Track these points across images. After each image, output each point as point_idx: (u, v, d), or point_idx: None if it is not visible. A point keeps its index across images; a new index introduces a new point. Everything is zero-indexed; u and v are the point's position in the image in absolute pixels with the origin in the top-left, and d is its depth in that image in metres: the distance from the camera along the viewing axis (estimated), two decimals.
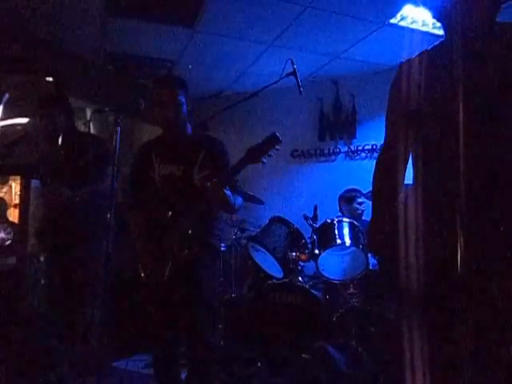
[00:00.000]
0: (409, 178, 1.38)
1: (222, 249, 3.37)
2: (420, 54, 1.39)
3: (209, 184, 1.87)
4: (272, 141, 1.85)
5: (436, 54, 1.33)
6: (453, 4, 1.12)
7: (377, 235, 1.38)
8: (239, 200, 2.11)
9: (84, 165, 2.51)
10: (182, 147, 2.13)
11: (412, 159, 1.35)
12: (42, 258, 3.38)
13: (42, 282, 3.14)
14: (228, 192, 1.95)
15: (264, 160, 1.84)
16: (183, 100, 2.10)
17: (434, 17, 1.31)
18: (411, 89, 1.32)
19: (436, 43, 1.36)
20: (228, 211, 2.20)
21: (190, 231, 1.95)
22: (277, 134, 1.86)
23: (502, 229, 1.02)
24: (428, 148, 1.26)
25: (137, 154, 2.27)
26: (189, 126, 2.19)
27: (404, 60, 1.42)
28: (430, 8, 1.29)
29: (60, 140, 2.64)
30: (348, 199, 3.76)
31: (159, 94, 2.08)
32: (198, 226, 1.97)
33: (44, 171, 2.77)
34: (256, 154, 1.85)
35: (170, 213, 2.00)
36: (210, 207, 2.00)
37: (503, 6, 1.24)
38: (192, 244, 1.97)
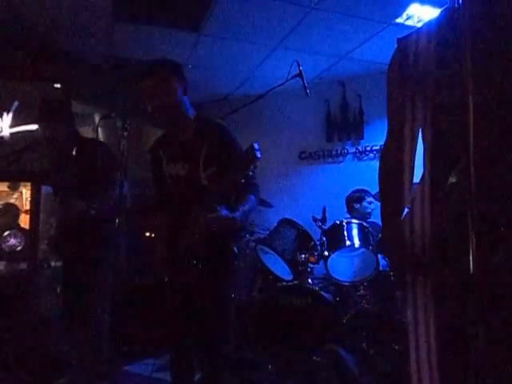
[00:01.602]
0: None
1: None
2: (420, 29, 1.26)
3: (203, 222, 1.74)
4: (249, 156, 1.62)
5: (438, 28, 1.19)
6: None
7: (390, 235, 1.30)
8: (250, 204, 1.91)
9: (91, 172, 2.48)
10: (185, 142, 1.96)
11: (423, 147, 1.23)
12: (52, 264, 3.41)
13: (55, 288, 3.16)
14: (227, 214, 1.78)
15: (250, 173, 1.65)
16: (177, 85, 1.89)
17: None
18: (414, 67, 1.20)
19: (437, 16, 1.23)
20: (238, 231, 1.99)
21: (196, 235, 1.82)
22: (254, 145, 1.61)
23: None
24: (436, 130, 1.16)
25: (150, 157, 2.14)
26: (190, 111, 1.99)
27: (401, 37, 1.29)
28: None
29: (63, 148, 2.60)
30: (357, 199, 3.74)
31: (149, 85, 1.88)
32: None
33: (54, 179, 2.79)
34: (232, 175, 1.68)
35: (185, 215, 1.88)
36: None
37: None
38: (205, 248, 1.84)
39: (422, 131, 1.24)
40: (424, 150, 1.23)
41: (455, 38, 0.95)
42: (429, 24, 1.25)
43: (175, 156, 1.98)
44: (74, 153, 2.56)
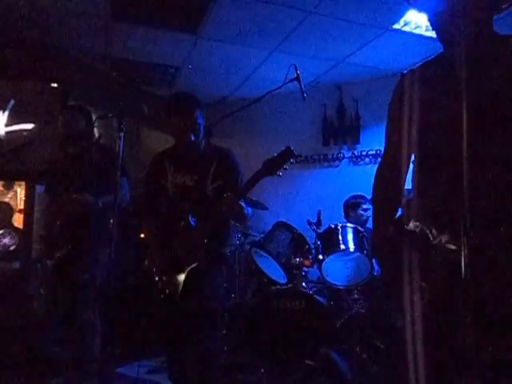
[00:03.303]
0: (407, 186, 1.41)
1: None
2: (421, 65, 1.41)
3: (226, 198, 1.92)
4: (287, 154, 1.88)
5: (437, 65, 1.34)
6: (447, 10, 1.13)
7: (379, 242, 1.38)
8: (250, 210, 2.14)
9: (101, 174, 2.53)
10: (195, 158, 2.17)
11: (413, 168, 1.36)
12: (48, 263, 3.38)
13: (43, 289, 3.14)
14: (243, 204, 1.99)
15: (280, 173, 1.88)
16: (201, 121, 2.12)
17: (430, 23, 1.32)
18: (413, 99, 1.33)
19: (436, 54, 1.38)
20: (241, 222, 2.27)
21: (204, 240, 1.99)
22: (291, 148, 1.88)
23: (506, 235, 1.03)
24: (430, 157, 1.28)
25: (150, 164, 2.31)
26: (202, 140, 2.22)
27: (405, 71, 1.43)
28: (427, 13, 1.30)
29: (79, 143, 2.70)
30: (353, 205, 3.74)
31: (179, 119, 2.08)
32: (209, 234, 2.01)
33: (52, 176, 2.79)
34: (272, 166, 1.88)
35: (183, 222, 2.02)
36: (222, 217, 2.02)
37: (501, 14, 1.25)
38: (203, 252, 1.99)
39: (415, 162, 1.37)
40: (414, 174, 1.35)
41: (452, 77, 1.02)
42: (430, 60, 1.40)
43: (184, 168, 2.16)
44: (87, 151, 2.63)
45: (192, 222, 2.00)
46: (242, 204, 1.97)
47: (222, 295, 2.24)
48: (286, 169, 1.89)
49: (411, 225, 1.24)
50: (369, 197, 3.63)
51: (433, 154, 1.26)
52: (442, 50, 1.36)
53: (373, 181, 1.54)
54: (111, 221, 2.06)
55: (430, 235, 1.16)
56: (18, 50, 3.63)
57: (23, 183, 4.12)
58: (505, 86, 1.13)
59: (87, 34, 3.62)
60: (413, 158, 1.36)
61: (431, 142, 1.26)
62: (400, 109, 1.36)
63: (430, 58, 1.40)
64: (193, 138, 2.07)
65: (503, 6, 1.23)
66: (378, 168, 1.57)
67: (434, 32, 1.34)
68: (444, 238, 1.12)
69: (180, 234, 2.03)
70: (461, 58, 0.96)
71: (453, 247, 1.07)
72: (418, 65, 1.42)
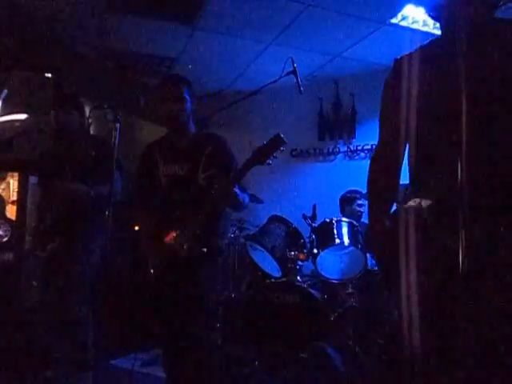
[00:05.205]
0: (404, 178, 1.40)
1: None
2: (415, 50, 1.36)
3: (219, 186, 1.91)
4: (276, 142, 1.86)
5: (433, 50, 1.30)
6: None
7: (376, 234, 1.37)
8: (247, 198, 2.12)
9: (93, 165, 2.51)
10: (185, 146, 2.15)
11: (408, 156, 1.34)
12: (40, 255, 3.36)
13: (35, 281, 3.13)
14: (237, 190, 1.96)
15: (269, 161, 1.86)
16: (187, 97, 2.12)
17: (429, 13, 1.27)
18: (408, 85, 1.30)
19: (432, 39, 1.34)
20: (237, 209, 2.18)
21: (197, 230, 1.96)
22: (281, 134, 1.86)
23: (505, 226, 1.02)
24: (426, 144, 1.25)
25: (141, 155, 2.29)
26: (192, 125, 2.21)
27: (399, 56, 1.39)
28: (425, 5, 1.26)
29: (72, 136, 2.70)
30: (348, 200, 3.75)
31: (164, 90, 2.12)
32: (203, 224, 1.98)
33: (45, 167, 2.77)
34: (261, 155, 1.86)
35: (176, 212, 2.01)
36: (215, 206, 2.00)
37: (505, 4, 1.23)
38: (196, 242, 1.97)
39: (409, 150, 1.35)
40: (410, 162, 1.33)
41: (450, 61, 1.00)
42: (426, 45, 1.35)
43: (174, 157, 2.14)
44: (80, 143, 2.62)
45: (185, 213, 1.98)
46: (236, 190, 1.94)
47: (215, 286, 2.22)
48: (275, 157, 1.86)
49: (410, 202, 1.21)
50: (364, 192, 3.63)
51: (429, 144, 1.23)
52: (439, 35, 1.31)
53: (368, 170, 1.51)
54: (106, 213, 2.05)
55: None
56: (10, 40, 3.58)
57: (16, 174, 4.08)
58: (507, 71, 1.10)
59: (81, 23, 3.58)
60: (408, 148, 1.34)
61: (428, 131, 1.23)
62: (393, 97, 1.33)
63: (425, 43, 1.35)
64: (182, 113, 2.08)
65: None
66: (371, 159, 1.53)
67: (431, 27, 1.31)
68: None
69: (173, 225, 2.01)
70: (460, 44, 0.94)
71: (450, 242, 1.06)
72: (412, 50, 1.37)
